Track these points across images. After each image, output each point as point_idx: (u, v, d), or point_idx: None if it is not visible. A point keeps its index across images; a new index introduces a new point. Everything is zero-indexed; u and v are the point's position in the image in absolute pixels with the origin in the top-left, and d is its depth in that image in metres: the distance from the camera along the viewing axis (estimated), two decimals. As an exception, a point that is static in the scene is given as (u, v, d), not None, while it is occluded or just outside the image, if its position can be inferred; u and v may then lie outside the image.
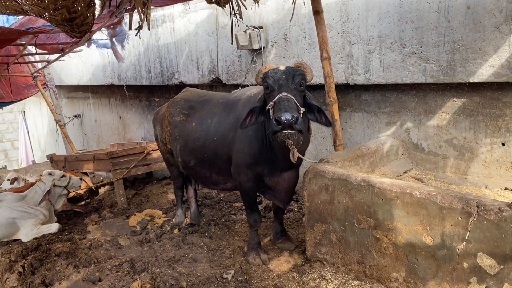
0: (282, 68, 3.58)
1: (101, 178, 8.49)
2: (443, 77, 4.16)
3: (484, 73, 3.91)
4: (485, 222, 2.81)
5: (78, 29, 3.61)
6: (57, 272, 4.30)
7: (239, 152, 4.14)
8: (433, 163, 4.55)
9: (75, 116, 10.72)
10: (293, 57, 5.37)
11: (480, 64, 3.92)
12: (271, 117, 3.37)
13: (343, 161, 4.01)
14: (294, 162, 3.58)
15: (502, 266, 2.79)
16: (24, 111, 13.63)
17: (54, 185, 5.92)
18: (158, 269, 4.24)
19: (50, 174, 5.95)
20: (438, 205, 3.01)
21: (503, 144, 4.08)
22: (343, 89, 5.09)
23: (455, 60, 4.06)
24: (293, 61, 5.38)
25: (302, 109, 3.44)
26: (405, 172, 4.58)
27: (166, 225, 5.54)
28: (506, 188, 4.01)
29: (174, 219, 5.62)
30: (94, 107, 10.24)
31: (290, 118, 3.17)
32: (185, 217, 5.59)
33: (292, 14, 4.46)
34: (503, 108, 4.01)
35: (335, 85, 4.50)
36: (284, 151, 3.51)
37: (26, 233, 5.47)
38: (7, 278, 4.21)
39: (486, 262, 2.85)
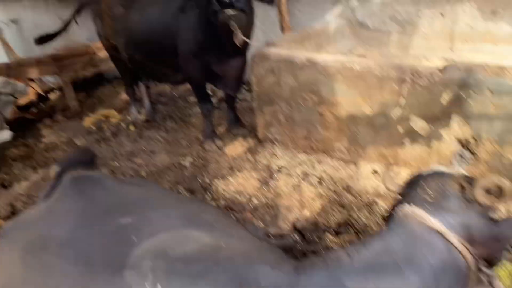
0: None
1: (51, 85, 8.20)
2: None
3: None
4: (418, 87, 3.00)
5: None
6: (15, 175, 4.35)
7: (184, 42, 4.06)
8: (378, 40, 4.64)
9: (12, 21, 9.94)
10: None
11: None
12: None
13: (289, 43, 4.03)
14: (239, 45, 3.58)
15: (431, 126, 3.04)
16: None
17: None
18: (116, 163, 4.37)
19: (-8, 81, 5.70)
20: (377, 76, 3.16)
21: (442, 15, 4.17)
22: (288, -30, 4.91)
23: None
24: None
25: None
26: (350, 50, 4.67)
27: (121, 124, 5.56)
28: (443, 57, 4.20)
29: (129, 117, 5.63)
30: (31, 10, 9.47)
31: None
32: (140, 114, 5.61)
33: None
34: (443, -21, 4.03)
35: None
36: (229, 35, 3.48)
37: (-23, 142, 5.38)
38: (-35, 185, 4.25)
39: (418, 124, 3.09)
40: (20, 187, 4.06)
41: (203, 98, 4.42)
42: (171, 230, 1.67)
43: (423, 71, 2.97)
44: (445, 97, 2.89)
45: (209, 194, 3.62)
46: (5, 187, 4.17)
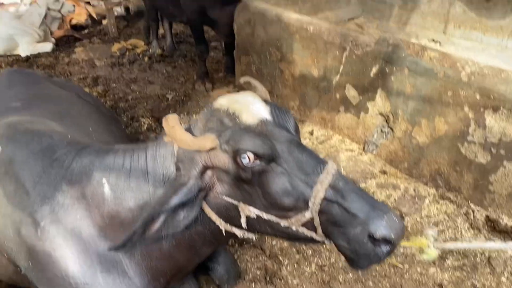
0: None
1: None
2: None
3: None
4: (354, 56, 3.08)
5: None
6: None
7: (185, -14, 4.36)
8: (381, 11, 4.54)
9: None
10: None
11: None
12: None
13: (279, -1, 4.15)
14: None
15: (361, 97, 3.13)
16: None
17: (49, 9, 6.43)
18: (114, 85, 4.88)
19: (43, -3, 6.41)
20: (324, 40, 3.26)
21: (441, -5, 4.02)
22: None
23: None
24: None
25: None
26: (352, 18, 4.64)
27: (142, 54, 6.05)
28: (432, 40, 4.08)
29: (150, 50, 6.10)
30: None
31: None
32: (160, 48, 6.05)
33: None
34: (447, -45, 3.86)
35: None
36: None
37: (23, 48, 6.17)
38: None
39: (351, 93, 3.19)
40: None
41: (199, 40, 4.72)
42: (38, 117, 2.10)
43: (361, 42, 3.03)
44: (373, 70, 2.95)
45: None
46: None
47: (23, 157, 1.75)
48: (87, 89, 4.70)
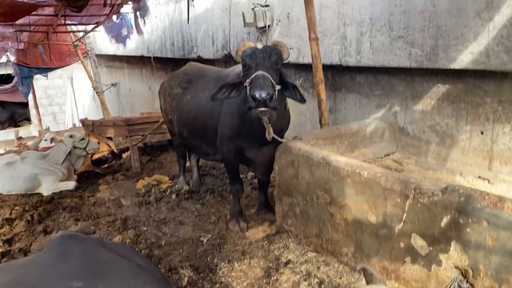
0: (259, 46, 3.76)
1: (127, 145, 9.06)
2: (426, 62, 4.15)
3: (464, 59, 3.88)
4: (419, 205, 2.92)
5: (74, 4, 3.98)
6: (59, 223, 4.83)
7: (223, 125, 4.40)
8: (417, 147, 4.58)
9: (112, 84, 11.40)
10: (294, 36, 5.48)
11: (461, 50, 3.88)
12: (248, 94, 3.58)
13: (317, 139, 4.16)
14: (270, 139, 3.85)
15: (431, 248, 2.90)
16: (72, 78, 14.59)
17: (74, 147, 6.49)
18: (145, 228, 4.66)
19: (70, 136, 6.53)
20: (382, 186, 3.14)
21: (481, 133, 4.04)
22: (339, 70, 5.16)
23: (438, 46, 4.03)
24: (294, 40, 5.50)
25: (278, 87, 3.64)
26: (388, 154, 4.64)
27: (168, 191, 5.95)
28: (479, 177, 4.01)
29: (176, 186, 6.02)
30: (128, 76, 10.82)
31: (264, 96, 3.40)
32: (186, 184, 5.97)
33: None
34: (484, 97, 3.96)
35: (330, 65, 4.62)
36: (261, 128, 3.77)
37: (46, 188, 6.08)
38: (16, 224, 4.81)
39: (418, 243, 2.97)
40: (56, 235, 4.50)
41: (234, 178, 4.64)
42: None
43: (425, 189, 2.90)
44: (444, 220, 2.78)
45: (210, 275, 3.70)
46: (46, 233, 4.64)
47: None
48: (117, 235, 4.48)
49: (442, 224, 2.79)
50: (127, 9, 7.52)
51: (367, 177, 3.24)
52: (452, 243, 2.76)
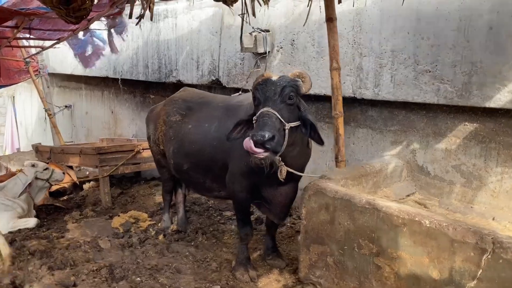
0: (274, 78, 3.34)
1: (87, 173, 8.15)
2: (457, 99, 3.95)
3: (502, 98, 3.70)
4: (500, 260, 2.58)
5: (75, 14, 3.36)
6: (29, 273, 3.98)
7: (236, 159, 3.89)
8: (438, 188, 4.33)
9: (66, 106, 10.39)
10: (299, 65, 5.13)
11: (499, 89, 3.71)
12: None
13: (345, 179, 3.77)
14: (282, 179, 3.44)
15: (515, 311, 2.55)
16: (14, 97, 13.24)
17: (36, 178, 5.61)
18: (138, 278, 3.95)
19: (33, 165, 5.64)
20: (449, 237, 2.78)
21: (514, 176, 3.87)
22: (349, 102, 4.86)
23: (472, 83, 3.85)
24: (298, 68, 5.14)
25: (289, 125, 3.21)
26: (408, 195, 4.34)
27: (150, 230, 5.24)
28: (514, 222, 3.80)
29: (160, 224, 5.33)
30: (86, 98, 9.91)
31: (261, 138, 3.00)
32: (172, 222, 5.31)
33: (307, 18, 4.20)
34: (518, 137, 3.80)
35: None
36: (270, 169, 3.32)
37: (2, 225, 5.14)
38: (-27, 277, 3.89)
39: (499, 305, 2.61)
40: (30, 291, 3.67)
41: (244, 220, 4.11)
42: None
43: (507, 243, 2.57)
44: (537, 280, 2.45)
45: None
46: (16, 286, 3.78)
47: None
48: (104, 286, 3.75)
49: (533, 284, 2.47)
50: (99, 25, 6.81)
51: (429, 226, 2.87)
52: (547, 307, 2.43)
